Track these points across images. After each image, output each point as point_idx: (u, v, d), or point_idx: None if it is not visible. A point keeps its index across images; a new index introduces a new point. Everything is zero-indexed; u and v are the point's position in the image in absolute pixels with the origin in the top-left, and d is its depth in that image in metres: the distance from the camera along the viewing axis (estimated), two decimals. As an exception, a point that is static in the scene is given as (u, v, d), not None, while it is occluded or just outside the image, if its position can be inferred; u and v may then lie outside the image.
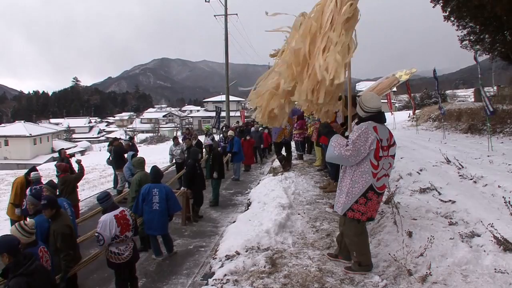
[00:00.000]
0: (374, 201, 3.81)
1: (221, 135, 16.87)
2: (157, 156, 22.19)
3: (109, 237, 4.83)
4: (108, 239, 4.84)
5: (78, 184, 8.97)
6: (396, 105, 48.37)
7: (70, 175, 8.63)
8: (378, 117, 3.85)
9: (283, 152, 10.96)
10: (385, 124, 3.98)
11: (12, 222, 7.60)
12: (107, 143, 12.80)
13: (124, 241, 4.99)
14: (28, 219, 5.48)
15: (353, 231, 3.89)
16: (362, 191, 3.74)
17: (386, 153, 3.78)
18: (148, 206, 6.51)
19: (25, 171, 8.88)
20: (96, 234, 4.88)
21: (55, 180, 8.07)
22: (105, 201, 5.10)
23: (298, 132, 11.63)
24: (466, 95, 65.44)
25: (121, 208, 5.18)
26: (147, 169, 7.65)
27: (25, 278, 3.19)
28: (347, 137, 4.07)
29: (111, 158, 11.86)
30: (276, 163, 12.13)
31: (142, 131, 72.33)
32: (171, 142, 14.07)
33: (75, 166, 10.11)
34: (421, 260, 3.80)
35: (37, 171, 8.12)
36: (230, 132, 14.12)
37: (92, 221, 7.80)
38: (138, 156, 8.64)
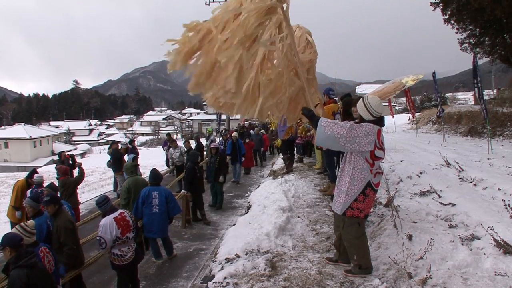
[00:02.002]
0: (371, 198, 3.85)
1: (221, 138, 16.89)
2: (157, 158, 22.20)
3: (110, 239, 4.86)
4: (109, 242, 4.87)
5: (78, 186, 8.98)
6: (396, 108, 48.41)
7: (70, 178, 8.64)
8: (380, 121, 3.86)
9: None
10: (385, 127, 3.99)
11: (13, 225, 7.59)
12: (108, 146, 12.83)
13: (126, 243, 5.03)
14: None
15: (353, 234, 3.88)
16: (361, 188, 3.75)
17: (380, 154, 3.78)
18: (148, 209, 6.51)
19: (25, 173, 8.90)
20: (98, 238, 4.91)
21: (56, 183, 8.09)
22: (103, 205, 5.13)
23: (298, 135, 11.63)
24: (466, 98, 65.53)
25: (120, 210, 5.21)
26: (147, 171, 7.66)
27: (25, 269, 3.32)
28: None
29: (111, 161, 11.89)
30: (276, 166, 12.12)
31: (142, 134, 72.41)
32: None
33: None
34: (421, 263, 3.79)
35: (38, 173, 8.14)
36: (234, 134, 14.14)
37: (91, 224, 7.80)
38: (128, 161, 8.63)
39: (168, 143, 13.93)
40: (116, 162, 11.48)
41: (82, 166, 9.18)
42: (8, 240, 3.58)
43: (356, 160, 3.74)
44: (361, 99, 3.90)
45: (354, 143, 3.62)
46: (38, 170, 9.20)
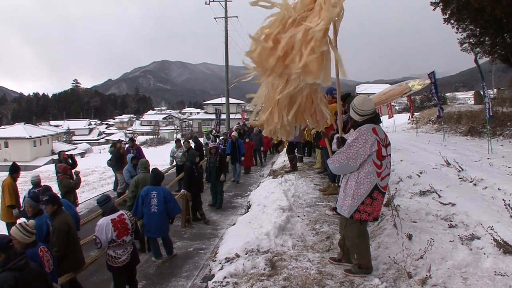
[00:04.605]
0: (380, 201, 3.82)
1: (221, 137, 16.87)
2: (157, 158, 22.20)
3: (105, 240, 4.87)
4: (105, 243, 4.88)
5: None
6: (396, 107, 48.36)
7: (68, 180, 8.63)
8: (375, 118, 3.86)
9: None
10: (383, 126, 3.99)
11: (8, 226, 7.44)
12: (109, 145, 12.73)
13: (121, 245, 5.01)
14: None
15: (355, 233, 3.88)
16: (367, 191, 3.73)
17: (385, 152, 3.79)
18: (146, 209, 6.53)
19: (25, 173, 8.85)
20: (94, 237, 4.93)
21: (55, 183, 8.06)
22: (104, 204, 5.13)
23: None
24: (466, 97, 65.54)
25: (120, 212, 5.18)
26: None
27: (13, 272, 3.26)
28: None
29: (112, 161, 11.90)
30: (276, 165, 12.12)
31: (142, 134, 72.38)
32: (170, 145, 13.95)
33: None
34: (421, 263, 3.79)
35: (18, 167, 7.98)
36: (233, 134, 14.15)
37: (91, 224, 7.80)
38: (135, 160, 8.67)
39: (131, 149, 12.51)
40: (117, 161, 11.49)
41: (79, 175, 9.12)
42: None
43: (362, 164, 3.72)
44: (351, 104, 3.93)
45: (361, 155, 3.67)
46: (38, 170, 9.20)
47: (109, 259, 5.02)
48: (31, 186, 7.87)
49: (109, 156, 12.66)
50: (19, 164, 8.70)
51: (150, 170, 7.26)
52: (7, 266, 3.27)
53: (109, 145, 12.73)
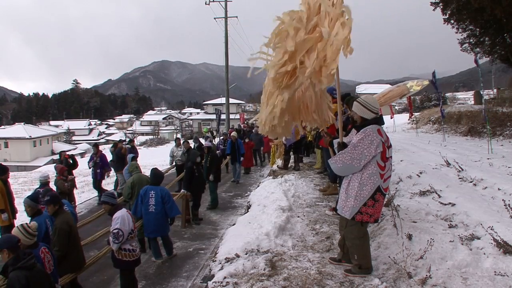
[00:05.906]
0: (381, 202, 3.82)
1: (221, 137, 16.86)
2: (157, 158, 22.20)
3: (127, 231, 4.94)
4: (126, 234, 4.93)
5: (78, 186, 9.01)
6: (396, 108, 48.34)
7: (62, 183, 8.65)
8: (380, 119, 3.86)
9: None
10: (384, 126, 3.99)
11: (1, 229, 7.18)
12: (111, 145, 12.69)
13: (134, 237, 5.16)
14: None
15: (356, 234, 3.88)
16: (370, 193, 3.72)
17: (388, 154, 3.79)
18: (144, 208, 6.54)
19: (26, 173, 8.85)
20: (116, 230, 4.87)
21: (52, 183, 8.02)
22: (115, 198, 5.32)
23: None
24: (466, 97, 65.51)
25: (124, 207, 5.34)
26: (147, 171, 7.68)
27: (24, 271, 3.30)
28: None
29: (114, 161, 11.91)
30: (276, 165, 12.11)
31: (142, 134, 72.43)
32: (170, 145, 13.93)
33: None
34: (421, 263, 3.79)
35: (6, 168, 7.57)
36: (233, 134, 14.14)
37: (91, 224, 7.80)
38: (135, 160, 8.69)
39: (95, 157, 11.70)
40: (118, 161, 11.51)
41: (75, 181, 9.10)
42: (4, 242, 3.57)
43: (366, 165, 3.71)
44: (355, 103, 3.90)
45: (365, 156, 3.65)
46: (38, 169, 9.21)
47: (126, 254, 5.02)
48: (32, 186, 7.87)
49: (109, 156, 12.66)
50: (18, 164, 8.68)
51: (150, 170, 7.26)
52: (17, 265, 3.30)
53: (110, 145, 12.68)
